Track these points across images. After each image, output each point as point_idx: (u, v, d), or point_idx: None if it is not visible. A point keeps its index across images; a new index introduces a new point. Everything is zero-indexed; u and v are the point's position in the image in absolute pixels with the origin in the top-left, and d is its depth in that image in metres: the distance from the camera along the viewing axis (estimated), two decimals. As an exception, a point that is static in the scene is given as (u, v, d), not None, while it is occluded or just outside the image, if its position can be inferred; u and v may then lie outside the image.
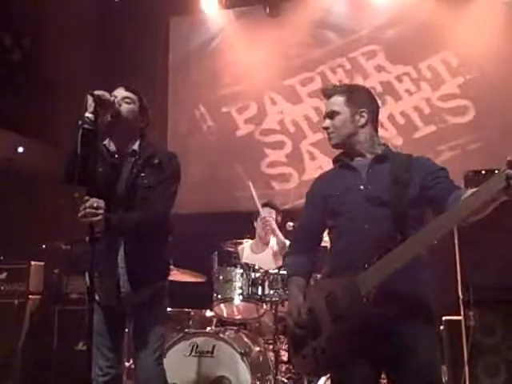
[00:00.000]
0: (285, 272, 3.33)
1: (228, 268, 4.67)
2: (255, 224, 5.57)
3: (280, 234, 5.28)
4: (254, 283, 4.57)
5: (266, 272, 4.62)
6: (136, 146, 3.28)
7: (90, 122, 2.92)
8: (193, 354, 4.46)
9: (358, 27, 7.63)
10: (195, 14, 8.25)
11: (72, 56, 7.26)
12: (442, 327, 4.22)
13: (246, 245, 5.58)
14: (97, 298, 3.13)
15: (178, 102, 8.25)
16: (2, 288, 5.87)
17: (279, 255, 5.10)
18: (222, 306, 4.77)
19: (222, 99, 8.05)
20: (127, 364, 4.58)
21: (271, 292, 4.57)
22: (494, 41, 6.86)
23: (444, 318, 4.25)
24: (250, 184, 5.37)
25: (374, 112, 2.81)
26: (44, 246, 6.12)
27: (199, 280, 5.26)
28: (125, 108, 3.22)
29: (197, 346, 4.46)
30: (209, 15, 8.20)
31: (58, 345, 5.57)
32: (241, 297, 4.56)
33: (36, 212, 7.17)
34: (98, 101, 2.96)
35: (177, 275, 4.98)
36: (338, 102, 2.78)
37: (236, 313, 4.91)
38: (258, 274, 4.61)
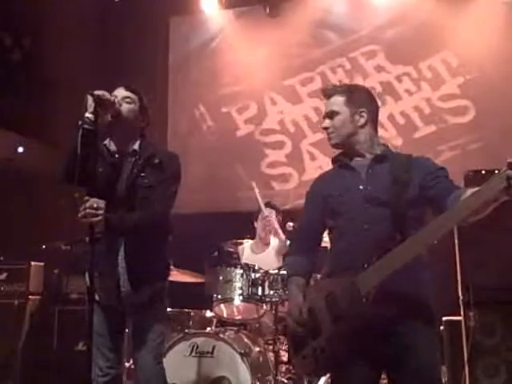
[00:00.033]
0: (285, 272, 3.33)
1: (228, 268, 4.67)
2: (255, 224, 5.57)
3: (282, 234, 5.28)
4: (254, 283, 4.57)
5: (266, 272, 4.62)
6: (136, 146, 3.28)
7: (90, 122, 2.92)
8: (193, 354, 4.45)
9: (358, 27, 7.64)
10: (195, 14, 8.25)
11: (72, 56, 7.26)
12: (441, 327, 4.21)
13: (247, 245, 5.58)
14: (97, 298, 3.13)
15: (177, 101, 8.25)
16: (2, 288, 5.87)
17: (281, 255, 5.09)
18: (222, 306, 4.77)
19: (222, 99, 8.05)
20: (127, 364, 4.58)
21: (271, 292, 4.57)
22: (494, 41, 6.87)
23: (444, 319, 4.25)
24: (254, 184, 5.36)
25: (374, 112, 2.81)
26: (44, 247, 6.11)
27: (199, 280, 5.26)
28: (125, 108, 3.22)
29: (197, 347, 4.46)
30: (209, 15, 8.20)
31: (57, 345, 5.57)
32: (241, 297, 4.56)
33: (36, 212, 7.17)
34: (98, 101, 2.96)
35: (177, 275, 4.98)
36: (338, 102, 2.78)
37: (236, 313, 4.90)
38: (258, 275, 4.61)
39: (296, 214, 3.09)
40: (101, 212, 2.88)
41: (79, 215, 2.88)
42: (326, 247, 2.95)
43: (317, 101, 7.22)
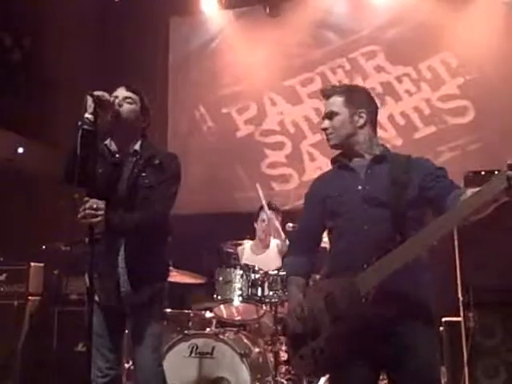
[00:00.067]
0: (284, 273, 3.32)
1: (228, 269, 4.67)
2: (255, 225, 5.56)
3: (283, 234, 5.28)
4: (253, 284, 4.57)
5: (266, 273, 4.62)
6: (137, 146, 3.28)
7: (90, 123, 2.92)
8: (192, 355, 4.45)
9: (358, 28, 7.64)
10: (195, 15, 8.26)
11: (72, 56, 7.27)
12: (441, 328, 4.21)
13: (247, 246, 5.58)
14: (96, 298, 3.13)
15: (177, 102, 8.26)
16: (2, 289, 5.87)
17: (282, 256, 5.09)
18: (221, 307, 4.77)
19: (222, 100, 8.06)
20: (127, 365, 4.58)
21: (271, 293, 4.58)
22: (493, 41, 6.87)
23: (444, 319, 4.25)
24: (258, 186, 5.36)
25: (373, 113, 2.81)
26: (43, 247, 6.12)
27: (199, 281, 5.26)
28: (126, 108, 3.21)
29: (196, 347, 4.46)
30: (209, 15, 8.21)
31: (57, 346, 5.57)
32: (240, 298, 4.56)
33: (36, 213, 7.16)
34: (98, 101, 2.96)
35: (176, 276, 4.98)
36: (337, 102, 2.77)
37: (236, 314, 4.91)
38: (257, 275, 4.61)
39: (296, 214, 3.09)
40: (100, 213, 2.87)
41: (79, 216, 2.87)
42: (325, 248, 2.95)
43: (317, 101, 7.21)
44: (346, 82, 7.40)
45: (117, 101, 3.18)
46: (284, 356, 4.66)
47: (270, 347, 4.73)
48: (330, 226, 2.78)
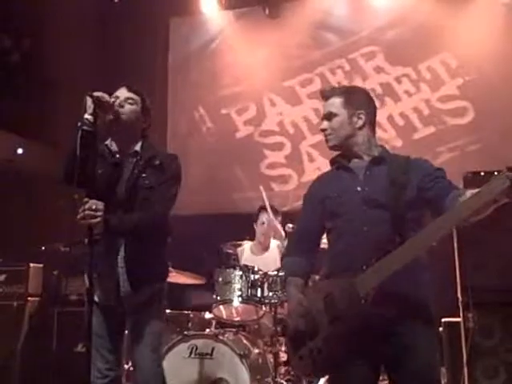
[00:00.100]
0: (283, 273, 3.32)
1: (227, 270, 4.67)
2: (255, 227, 5.56)
3: (283, 235, 5.28)
4: (253, 285, 4.57)
5: (266, 274, 4.62)
6: (138, 147, 3.27)
7: (89, 124, 2.92)
8: (192, 355, 4.45)
9: (357, 29, 7.65)
10: (195, 15, 8.26)
11: (72, 57, 7.27)
12: (440, 329, 4.21)
13: (246, 246, 5.58)
14: (96, 299, 3.13)
15: (177, 103, 8.26)
16: (1, 290, 5.87)
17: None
18: (221, 307, 4.77)
19: (222, 100, 8.06)
20: (126, 366, 4.58)
21: (270, 294, 4.58)
22: (493, 42, 6.87)
23: (443, 320, 4.25)
24: (262, 189, 5.36)
25: (372, 114, 2.81)
26: (43, 248, 6.11)
27: (199, 282, 5.26)
28: (127, 109, 3.21)
29: (196, 348, 4.46)
30: (208, 16, 8.22)
31: (57, 347, 5.56)
32: (240, 299, 4.56)
33: (35, 213, 7.16)
34: (97, 102, 2.96)
35: (176, 277, 4.98)
36: (336, 103, 2.77)
37: (235, 315, 4.91)
38: (257, 276, 4.61)
39: (295, 215, 3.09)
40: (100, 213, 2.87)
41: (78, 217, 2.87)
42: (324, 248, 2.94)
43: (316, 102, 7.21)
44: (346, 82, 7.41)
45: (118, 101, 3.18)
46: (283, 357, 4.66)
47: (269, 348, 4.73)
48: (329, 227, 2.78)
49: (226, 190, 7.70)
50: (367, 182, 2.68)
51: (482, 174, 4.00)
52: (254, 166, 7.74)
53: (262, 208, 5.50)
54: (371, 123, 2.80)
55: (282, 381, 4.60)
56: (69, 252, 5.77)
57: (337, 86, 3.06)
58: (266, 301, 4.60)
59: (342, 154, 2.82)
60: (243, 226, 5.70)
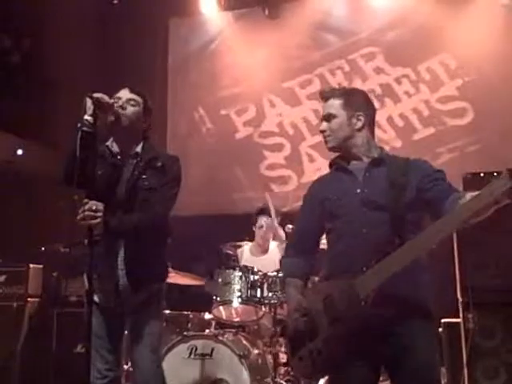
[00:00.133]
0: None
1: (227, 270, 4.67)
2: (254, 229, 5.56)
3: (283, 237, 5.28)
4: (252, 286, 4.57)
5: (265, 274, 4.63)
6: (139, 148, 3.27)
7: (89, 125, 2.92)
8: (192, 356, 4.45)
9: (357, 30, 7.65)
10: (194, 16, 8.26)
11: (71, 58, 7.27)
12: (440, 329, 4.21)
13: (246, 247, 5.57)
14: (96, 299, 3.13)
15: (177, 104, 8.26)
16: (1, 291, 5.87)
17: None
18: (220, 308, 4.77)
19: (221, 101, 8.06)
20: (126, 366, 4.58)
21: (270, 294, 4.58)
22: (492, 43, 6.87)
23: (443, 321, 4.25)
24: (268, 197, 5.35)
25: (371, 115, 2.81)
26: (43, 249, 6.11)
27: (198, 283, 5.26)
28: (129, 110, 3.21)
29: (196, 349, 4.46)
30: (208, 17, 8.22)
31: (56, 347, 5.57)
32: (240, 299, 4.56)
33: (35, 214, 7.17)
34: (97, 103, 2.96)
35: (176, 278, 4.97)
36: (335, 105, 2.77)
37: (235, 315, 4.91)
38: (256, 277, 4.61)
39: (295, 216, 3.09)
40: (99, 214, 2.87)
41: (78, 217, 2.87)
42: (324, 249, 2.94)
43: (316, 103, 7.21)
44: (346, 83, 7.39)
45: (120, 103, 3.18)
46: (283, 357, 4.66)
47: (269, 348, 4.72)
48: (329, 228, 2.78)
49: (225, 191, 7.70)
50: (366, 183, 2.68)
51: (482, 174, 4.01)
52: (253, 166, 7.75)
53: (261, 211, 5.51)
54: (370, 125, 2.80)
55: (282, 381, 4.61)
56: (68, 253, 5.77)
57: (336, 87, 3.06)
58: (266, 301, 4.60)
59: (341, 155, 2.82)
60: (243, 226, 5.70)
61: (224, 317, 4.85)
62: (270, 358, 4.64)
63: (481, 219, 2.33)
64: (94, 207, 2.86)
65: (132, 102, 3.24)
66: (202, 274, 5.18)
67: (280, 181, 7.63)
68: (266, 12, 7.91)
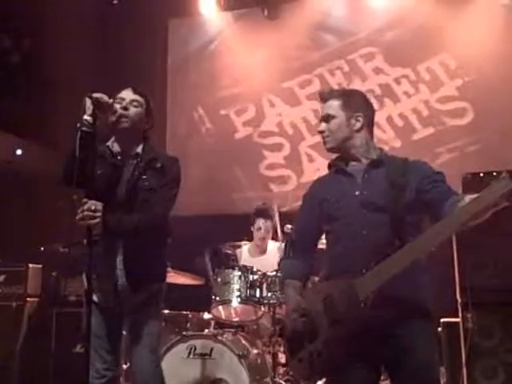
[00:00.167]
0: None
1: (226, 270, 4.68)
2: (252, 229, 5.56)
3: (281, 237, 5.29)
4: (252, 285, 4.57)
5: (264, 274, 4.63)
6: (139, 149, 3.27)
7: (89, 125, 2.93)
8: (191, 356, 4.46)
9: (356, 30, 7.65)
10: (194, 17, 8.26)
11: (71, 58, 7.27)
12: (439, 329, 4.21)
13: (244, 248, 5.58)
14: (95, 299, 3.13)
15: (176, 104, 8.26)
16: (0, 290, 5.87)
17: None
18: (220, 308, 4.77)
19: (221, 101, 8.06)
20: (125, 366, 4.57)
21: (269, 294, 4.58)
22: (492, 43, 6.87)
23: (442, 320, 4.25)
24: (275, 208, 5.35)
25: (370, 116, 2.82)
26: (42, 249, 6.11)
27: (197, 282, 5.26)
28: (132, 111, 3.21)
29: (195, 349, 4.46)
30: (207, 17, 8.21)
31: (55, 347, 5.56)
32: (239, 299, 4.57)
33: (35, 214, 7.17)
34: (97, 103, 2.96)
35: (175, 277, 4.98)
36: (334, 105, 2.78)
37: (234, 315, 4.91)
38: (256, 277, 4.61)
39: (294, 216, 3.09)
40: (98, 214, 2.88)
41: (77, 217, 2.88)
42: (322, 249, 2.95)
43: (315, 103, 7.20)
44: (345, 83, 7.42)
45: (124, 103, 3.19)
46: (282, 357, 4.66)
47: (268, 348, 4.73)
48: (327, 230, 2.79)
49: (225, 191, 7.70)
50: (366, 185, 2.68)
51: (482, 174, 4.01)
52: (253, 166, 7.75)
53: (259, 213, 5.52)
54: (369, 126, 2.80)
55: (281, 381, 4.61)
56: (68, 253, 5.76)
57: (335, 88, 3.07)
58: (265, 301, 4.61)
59: (340, 156, 2.83)
60: (242, 226, 5.70)
61: (223, 316, 4.85)
62: (269, 357, 4.64)
63: (479, 221, 2.34)
64: (93, 207, 2.87)
65: (135, 103, 3.24)
66: (201, 274, 5.18)
67: (279, 181, 7.63)
68: (266, 12, 7.90)
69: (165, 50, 8.43)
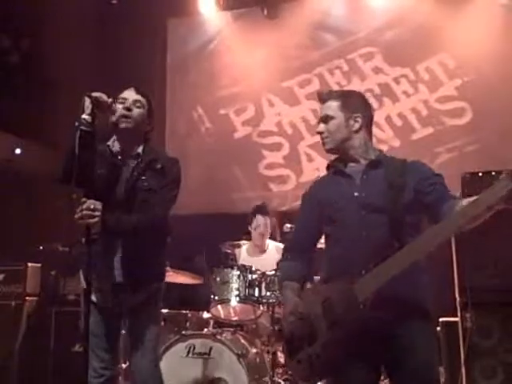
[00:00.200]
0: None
1: (225, 269, 4.67)
2: (250, 228, 5.56)
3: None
4: (250, 285, 4.58)
5: (263, 274, 4.63)
6: (140, 150, 3.27)
7: (87, 124, 2.92)
8: (190, 355, 4.46)
9: (355, 29, 7.65)
10: (193, 16, 8.26)
11: (70, 57, 7.26)
12: (438, 328, 4.21)
13: (244, 247, 5.57)
14: (93, 299, 3.13)
15: (175, 103, 8.26)
16: (-1, 289, 5.89)
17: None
18: (219, 307, 4.77)
19: (220, 101, 8.06)
20: (124, 365, 4.58)
21: (268, 293, 4.59)
22: (491, 43, 6.88)
23: (441, 320, 4.25)
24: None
25: (368, 117, 2.82)
26: (41, 248, 6.11)
27: (196, 282, 5.26)
28: (135, 112, 3.21)
29: (194, 348, 4.46)
30: (206, 17, 8.21)
31: (54, 346, 5.57)
32: (238, 298, 4.57)
33: (34, 213, 7.17)
34: (96, 102, 2.96)
35: (174, 277, 4.98)
36: (333, 106, 2.78)
37: (233, 314, 4.91)
38: (254, 276, 4.62)
39: (294, 215, 3.10)
40: (97, 213, 2.87)
41: (76, 216, 2.88)
42: (321, 248, 2.95)
43: (314, 103, 7.10)
44: (344, 83, 7.44)
45: (127, 104, 3.18)
46: (281, 356, 4.66)
47: (267, 347, 4.73)
48: (327, 232, 2.79)
49: (224, 190, 7.70)
50: (364, 186, 2.68)
51: (481, 174, 4.01)
52: (252, 166, 7.75)
53: (257, 210, 5.52)
54: (368, 127, 2.80)
55: (280, 380, 4.62)
56: (67, 252, 5.77)
57: (334, 89, 3.07)
58: (264, 300, 4.61)
59: (339, 157, 2.83)
60: (242, 226, 5.70)
61: (222, 316, 4.85)
62: (268, 356, 4.65)
63: (476, 225, 2.35)
64: (92, 206, 2.87)
65: (138, 104, 3.24)
66: (201, 273, 5.18)
67: (279, 180, 7.63)
68: (265, 12, 7.91)
69: (164, 50, 8.44)
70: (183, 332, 4.61)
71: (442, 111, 7.14)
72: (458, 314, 4.01)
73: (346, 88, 7.33)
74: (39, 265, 6.04)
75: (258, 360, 4.62)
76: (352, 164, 2.77)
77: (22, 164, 7.37)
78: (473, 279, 3.95)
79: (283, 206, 7.20)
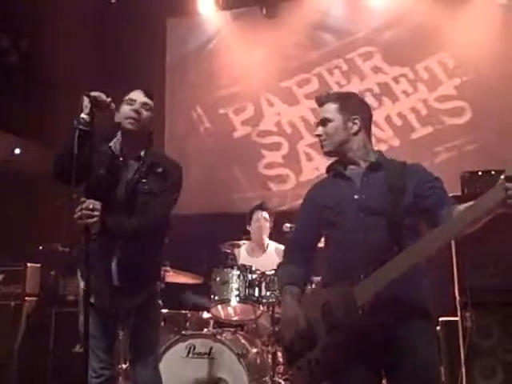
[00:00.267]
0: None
1: (225, 269, 4.67)
2: (249, 228, 5.56)
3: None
4: (250, 285, 4.58)
5: (263, 273, 4.63)
6: (142, 152, 3.25)
7: (86, 123, 2.91)
8: (190, 355, 4.46)
9: (354, 29, 7.65)
10: (192, 16, 8.25)
11: (70, 57, 7.26)
12: (438, 327, 4.21)
13: (243, 247, 5.57)
14: (91, 300, 3.12)
15: (175, 103, 8.25)
16: (-1, 290, 5.88)
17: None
18: (219, 307, 4.77)
19: (219, 101, 8.06)
20: (124, 366, 4.58)
21: (268, 293, 4.59)
22: (490, 42, 6.88)
23: (440, 319, 4.25)
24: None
25: (367, 119, 2.81)
26: (41, 248, 6.11)
27: (196, 281, 5.26)
28: (145, 115, 3.20)
29: (194, 348, 4.46)
30: (206, 16, 8.21)
31: (54, 347, 5.57)
32: (238, 298, 4.57)
33: (33, 213, 7.16)
34: (94, 102, 2.95)
35: (174, 277, 4.97)
36: (331, 109, 2.77)
37: (233, 314, 4.91)
38: (254, 276, 4.62)
39: (293, 215, 3.09)
40: (96, 213, 2.87)
41: (75, 216, 2.87)
42: (321, 247, 2.94)
43: (313, 102, 7.04)
44: (344, 82, 7.44)
45: (137, 106, 3.17)
46: (281, 356, 4.66)
47: (267, 347, 4.73)
48: (326, 235, 2.78)
49: (224, 190, 7.70)
50: (364, 188, 2.67)
51: (480, 173, 4.01)
52: (251, 165, 7.75)
53: (257, 206, 5.52)
54: (366, 128, 2.79)
55: (280, 380, 4.61)
56: (67, 252, 5.77)
57: (332, 91, 3.06)
58: (264, 300, 4.61)
59: (339, 160, 2.82)
60: (241, 225, 5.70)
61: (222, 316, 4.85)
62: (268, 356, 4.65)
63: (474, 229, 2.35)
64: (91, 206, 2.86)
65: (147, 107, 3.23)
66: (201, 273, 5.18)
67: (278, 179, 7.63)
68: (264, 11, 7.90)
69: (163, 50, 8.43)
70: (183, 332, 4.61)
71: (442, 110, 7.14)
72: (458, 314, 4.01)
73: (345, 87, 7.35)
74: (39, 265, 6.04)
75: (258, 360, 4.62)
76: (352, 166, 2.76)
77: (22, 164, 7.37)
78: (473, 279, 3.95)
79: (283, 205, 7.20)
